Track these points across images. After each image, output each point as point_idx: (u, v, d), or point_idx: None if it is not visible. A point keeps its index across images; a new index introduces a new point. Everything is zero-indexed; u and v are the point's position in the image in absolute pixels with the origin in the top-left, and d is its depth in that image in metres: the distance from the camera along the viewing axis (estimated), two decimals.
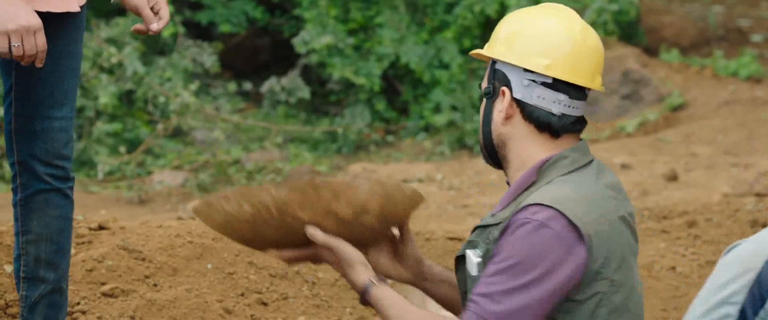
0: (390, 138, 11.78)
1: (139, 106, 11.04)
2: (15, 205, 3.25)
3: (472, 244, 2.85)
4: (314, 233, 2.76)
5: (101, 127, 10.83)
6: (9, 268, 3.94)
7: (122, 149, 10.69)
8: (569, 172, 2.89)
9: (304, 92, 11.86)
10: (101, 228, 4.28)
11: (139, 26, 3.12)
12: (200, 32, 12.84)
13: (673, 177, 8.38)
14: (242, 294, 4.16)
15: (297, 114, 12.03)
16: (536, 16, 2.97)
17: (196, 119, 10.95)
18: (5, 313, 3.75)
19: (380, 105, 11.81)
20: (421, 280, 3.00)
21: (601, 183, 2.91)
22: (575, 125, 2.95)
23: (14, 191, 3.25)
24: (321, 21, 11.88)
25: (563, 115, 2.90)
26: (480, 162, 9.91)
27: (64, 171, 3.25)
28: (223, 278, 4.22)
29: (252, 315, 4.06)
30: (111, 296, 3.94)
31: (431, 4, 12.13)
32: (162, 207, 9.19)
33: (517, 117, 2.90)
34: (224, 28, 12.55)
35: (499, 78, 2.91)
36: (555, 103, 2.89)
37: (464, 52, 12.01)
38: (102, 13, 12.11)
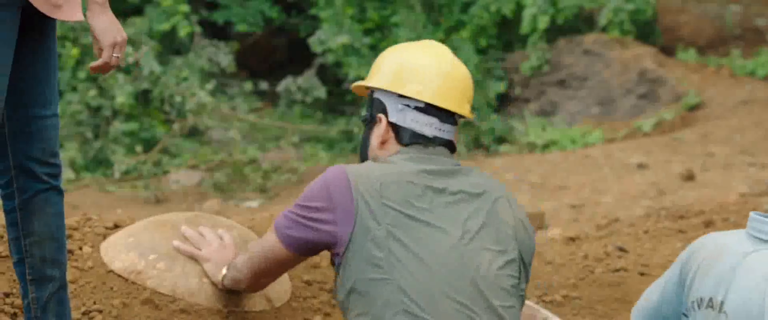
0: None
1: (156, 106, 11.06)
2: (10, 211, 3.25)
3: None
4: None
5: (118, 126, 10.86)
6: None
7: (138, 148, 10.71)
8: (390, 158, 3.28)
9: (320, 91, 11.87)
10: (116, 227, 4.29)
11: (93, 64, 3.14)
12: (216, 32, 12.85)
13: (689, 177, 8.36)
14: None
15: (313, 113, 12.04)
16: (412, 52, 3.29)
17: (212, 118, 10.97)
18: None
19: None
20: None
21: (416, 168, 3.20)
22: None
23: (6, 197, 3.25)
24: (337, 20, 11.88)
25: (435, 137, 3.22)
26: (496, 161, 9.90)
27: (58, 167, 3.27)
28: None
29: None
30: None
31: (447, 4, 12.12)
32: (178, 207, 9.19)
33: (392, 141, 3.25)
34: (240, 27, 12.57)
35: (376, 106, 3.26)
36: (427, 126, 3.22)
37: (480, 51, 11.99)
38: (118, 12, 12.13)
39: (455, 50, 11.94)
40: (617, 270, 4.92)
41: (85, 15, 3.13)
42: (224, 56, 11.83)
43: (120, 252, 3.97)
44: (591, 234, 5.33)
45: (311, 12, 12.43)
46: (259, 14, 12.67)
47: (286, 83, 12.00)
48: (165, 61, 11.55)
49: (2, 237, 3.98)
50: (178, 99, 10.85)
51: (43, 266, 3.32)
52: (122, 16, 12.02)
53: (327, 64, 12.02)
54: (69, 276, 3.85)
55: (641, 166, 8.81)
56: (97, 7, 3.07)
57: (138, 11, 12.26)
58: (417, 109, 3.22)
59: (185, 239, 3.91)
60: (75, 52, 10.96)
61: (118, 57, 3.07)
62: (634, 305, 3.32)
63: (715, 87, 11.13)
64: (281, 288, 4.06)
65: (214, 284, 3.88)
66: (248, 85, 12.16)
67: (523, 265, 3.15)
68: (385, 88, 3.24)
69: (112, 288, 3.86)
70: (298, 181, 10.23)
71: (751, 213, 3.19)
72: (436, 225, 3.09)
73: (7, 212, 3.29)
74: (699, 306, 3.12)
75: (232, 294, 3.91)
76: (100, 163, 10.76)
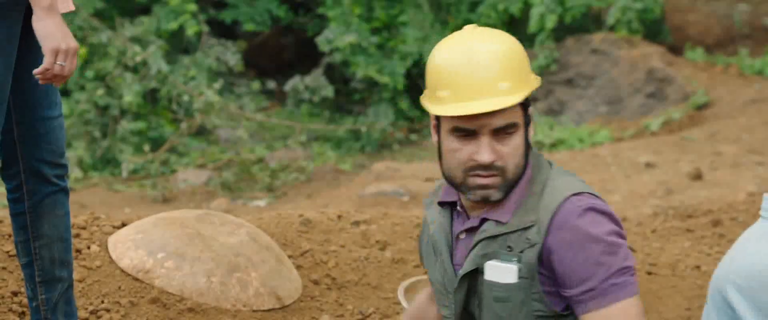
0: (414, 136, 11.77)
1: (164, 105, 11.07)
2: (18, 215, 3.24)
3: (489, 256, 2.86)
4: None
5: (125, 125, 10.87)
6: None
7: (146, 147, 10.72)
8: (552, 169, 2.95)
9: (328, 91, 11.87)
10: (124, 226, 4.29)
11: (35, 70, 3.07)
12: (224, 31, 12.85)
13: (697, 176, 8.35)
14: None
15: (320, 112, 12.04)
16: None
17: (220, 118, 10.97)
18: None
19: (404, 104, 11.81)
20: None
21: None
22: None
23: (15, 201, 3.24)
24: (345, 19, 11.88)
25: None
26: None
27: (65, 168, 3.27)
28: None
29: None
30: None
31: (455, 3, 12.11)
32: (186, 206, 9.20)
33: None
34: (248, 26, 12.57)
35: (526, 106, 2.86)
36: None
37: None
38: (126, 12, 12.14)
39: None
40: None
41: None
42: (232, 55, 11.85)
43: (128, 249, 3.97)
44: None
45: (319, 11, 12.44)
46: (266, 13, 12.69)
47: (294, 82, 12.01)
48: (173, 61, 11.56)
49: (9, 236, 3.98)
50: (185, 98, 10.86)
51: (53, 267, 3.32)
52: (130, 15, 12.03)
53: (334, 63, 12.02)
54: (77, 275, 3.86)
55: (649, 165, 8.80)
56: (41, 11, 2.95)
57: (146, 10, 12.28)
58: None
59: (193, 238, 3.89)
60: (82, 51, 10.98)
61: (62, 65, 2.93)
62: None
63: (724, 86, 11.12)
64: (291, 285, 4.06)
65: (222, 283, 3.88)
66: (256, 84, 12.17)
67: None
68: (536, 86, 2.88)
69: (120, 287, 3.86)
70: (306, 180, 10.23)
71: (765, 195, 3.18)
72: None
73: (15, 215, 3.28)
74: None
75: (240, 292, 3.91)
76: (108, 162, 10.78)
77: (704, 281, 4.91)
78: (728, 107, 10.66)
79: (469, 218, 2.88)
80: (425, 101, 2.83)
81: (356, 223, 4.74)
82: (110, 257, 3.99)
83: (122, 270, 3.93)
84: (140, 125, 10.98)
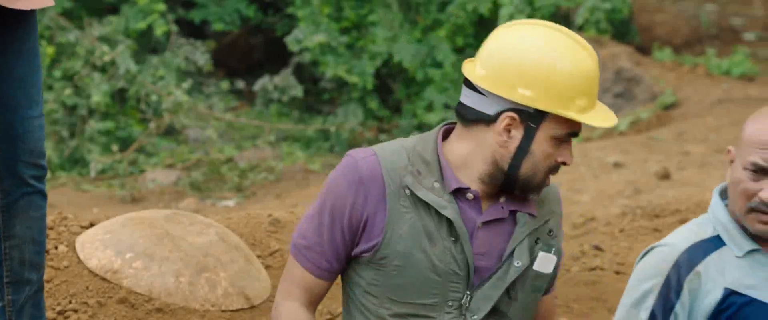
0: (383, 136, 11.77)
1: (132, 105, 11.03)
2: None
3: (536, 247, 2.95)
4: None
5: (94, 125, 10.82)
6: None
7: (115, 147, 10.68)
8: None
9: (297, 90, 11.86)
10: (92, 226, 4.27)
11: None
12: (193, 30, 12.82)
13: (665, 176, 8.39)
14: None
15: (290, 112, 12.03)
16: None
17: (188, 117, 10.95)
18: None
19: (373, 103, 11.81)
20: None
21: None
22: None
23: None
24: (314, 19, 11.88)
25: None
26: None
27: (44, 169, 3.23)
28: None
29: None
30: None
31: (424, 3, 12.12)
32: (155, 206, 9.17)
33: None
34: (217, 26, 12.54)
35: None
36: None
37: (457, 50, 12.00)
38: (94, 11, 12.09)
39: (432, 50, 11.97)
40: (593, 269, 4.93)
41: None
42: (201, 55, 11.82)
43: (96, 249, 3.96)
44: (567, 233, 5.34)
45: (288, 11, 12.43)
46: (235, 13, 12.66)
47: (263, 82, 11.98)
48: (141, 60, 11.52)
49: None
50: (154, 98, 10.82)
51: (22, 269, 3.28)
52: (98, 14, 11.98)
53: (304, 62, 12.01)
54: (44, 276, 3.84)
55: (618, 165, 8.84)
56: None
57: (114, 10, 12.23)
58: None
59: (162, 238, 3.89)
60: (50, 50, 10.93)
61: None
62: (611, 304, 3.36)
63: (691, 86, 11.17)
64: (260, 285, 4.05)
65: (190, 283, 3.87)
66: (225, 84, 12.14)
67: None
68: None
69: (87, 287, 3.84)
70: (275, 180, 10.22)
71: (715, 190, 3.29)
72: None
73: None
74: None
75: (208, 292, 3.90)
76: (76, 162, 10.73)
77: None
78: (696, 107, 10.71)
79: (480, 207, 2.88)
80: (560, 109, 2.79)
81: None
82: (78, 257, 3.97)
83: (90, 271, 3.92)
84: (108, 125, 10.93)
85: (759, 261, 3.28)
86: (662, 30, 12.47)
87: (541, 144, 2.81)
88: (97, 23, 11.39)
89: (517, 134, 2.80)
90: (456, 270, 2.84)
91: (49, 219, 4.24)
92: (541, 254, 2.94)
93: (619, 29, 12.21)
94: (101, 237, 3.99)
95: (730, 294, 3.23)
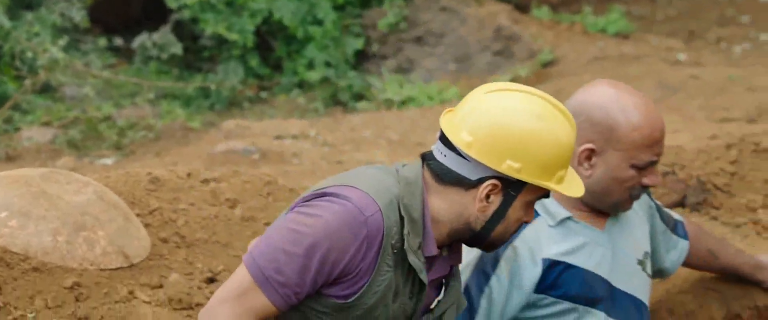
0: (264, 94, 11.73)
1: (6, 61, 10.81)
2: None
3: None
4: None
5: None
6: None
7: None
8: None
9: (177, 48, 11.73)
10: None
11: None
12: None
13: None
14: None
15: (169, 70, 11.90)
16: None
17: (65, 75, 10.76)
18: None
19: (253, 61, 11.75)
20: None
21: None
22: None
23: None
24: None
25: None
26: (354, 119, 9.94)
27: None
28: None
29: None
30: None
31: None
32: (31, 164, 9.02)
33: None
34: None
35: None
36: None
37: (337, 7, 11.98)
38: None
39: (313, 7, 11.92)
40: None
41: None
42: (77, 12, 11.61)
43: None
44: None
45: None
46: None
47: (142, 39, 11.83)
48: (15, 16, 11.29)
49: None
50: (29, 55, 10.62)
51: None
52: None
53: (183, 20, 11.88)
54: None
55: None
56: None
57: None
58: None
59: (38, 196, 3.84)
60: None
61: None
62: None
63: (569, 43, 11.32)
64: (139, 244, 4.02)
65: (68, 242, 3.82)
66: (102, 41, 11.95)
67: None
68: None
69: None
70: (154, 138, 10.12)
71: None
72: None
73: None
74: None
75: (87, 251, 3.86)
76: None
77: None
78: (573, 64, 10.87)
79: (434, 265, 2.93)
80: (544, 181, 2.81)
81: (206, 181, 4.72)
82: None
83: None
84: None
85: (571, 229, 3.38)
86: None
87: (516, 209, 2.85)
88: None
89: (496, 200, 2.82)
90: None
91: None
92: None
93: None
94: None
95: (549, 265, 3.33)
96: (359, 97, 11.41)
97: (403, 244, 2.81)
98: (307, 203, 2.81)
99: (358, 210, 2.76)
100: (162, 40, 11.79)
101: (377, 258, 2.78)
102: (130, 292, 3.82)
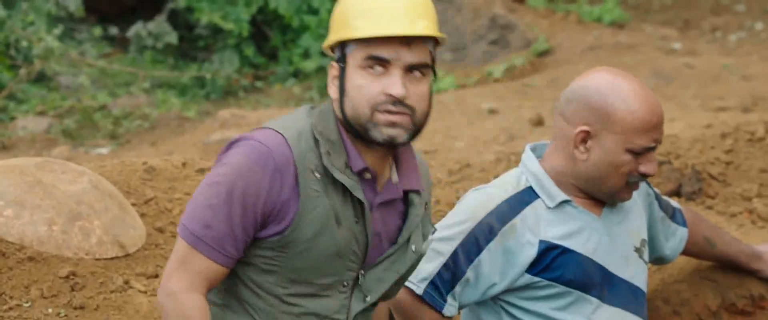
0: (259, 83, 11.72)
1: (1, 51, 10.79)
2: None
3: (422, 228, 2.99)
4: None
5: None
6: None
7: None
8: None
9: (172, 37, 11.72)
10: None
11: None
12: None
13: (539, 122, 8.50)
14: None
15: (164, 59, 11.89)
16: None
17: (60, 64, 10.75)
18: None
19: (249, 50, 11.74)
20: None
21: None
22: None
23: None
24: None
25: None
26: None
27: None
28: None
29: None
30: None
31: None
32: (26, 153, 9.02)
33: None
34: None
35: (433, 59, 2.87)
36: None
37: None
38: None
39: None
40: None
41: None
42: (72, 1, 11.59)
43: None
44: (443, 179, 5.40)
45: None
46: None
47: (137, 28, 11.81)
48: (10, 5, 11.27)
49: None
50: (24, 44, 10.61)
51: None
52: None
53: (178, 9, 11.86)
54: None
55: (492, 112, 8.93)
56: None
57: None
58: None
59: (33, 186, 3.83)
60: None
61: None
62: None
63: (564, 33, 11.32)
64: (135, 233, 4.02)
65: (63, 231, 3.82)
66: (97, 30, 11.94)
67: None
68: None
69: None
70: (149, 127, 10.11)
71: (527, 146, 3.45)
72: None
73: None
74: None
75: (82, 241, 3.86)
76: None
77: None
78: (568, 54, 10.87)
79: (376, 186, 2.87)
80: (333, 36, 2.80)
81: (201, 171, 4.72)
82: None
83: None
84: None
85: (569, 213, 3.40)
86: None
87: (352, 77, 2.81)
88: None
89: (337, 79, 2.85)
90: (355, 249, 2.86)
91: None
92: (430, 237, 3.00)
93: None
94: None
95: (545, 248, 3.35)
96: None
97: (324, 169, 2.80)
98: (220, 156, 2.86)
99: (261, 144, 2.78)
100: (157, 29, 11.77)
101: (297, 185, 2.77)
102: (126, 282, 3.82)
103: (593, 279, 3.40)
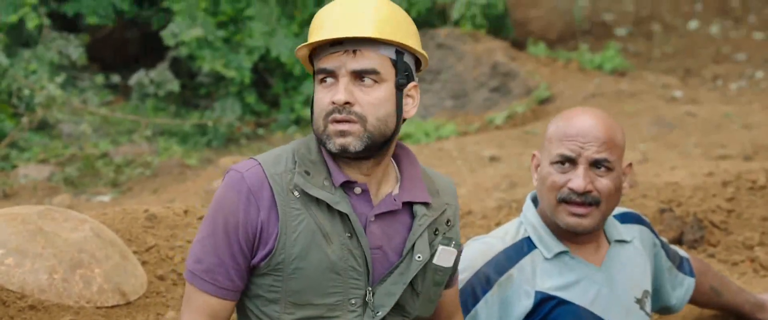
0: (261, 131, 11.74)
1: (4, 99, 10.82)
2: None
3: (435, 240, 2.95)
4: None
5: None
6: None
7: None
8: None
9: (174, 85, 11.75)
10: None
11: None
12: (66, 24, 12.62)
13: None
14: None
15: (166, 107, 11.92)
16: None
17: (62, 112, 10.77)
18: None
19: (251, 98, 11.76)
20: None
21: None
22: None
23: None
24: (190, 13, 11.78)
25: None
26: None
27: None
28: None
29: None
30: None
31: None
32: (27, 201, 9.01)
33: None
34: (91, 19, 12.36)
35: (403, 70, 2.85)
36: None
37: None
38: None
39: None
40: None
41: None
42: (74, 49, 11.63)
43: None
44: None
45: (164, 4, 12.30)
46: (110, 6, 12.48)
47: (139, 76, 11.85)
48: (13, 54, 11.31)
49: None
50: (26, 92, 10.64)
51: None
52: None
53: (180, 57, 11.90)
54: None
55: (494, 159, 8.94)
56: None
57: None
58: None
59: (35, 234, 3.83)
60: None
61: None
62: None
63: (565, 80, 11.34)
64: (136, 281, 4.01)
65: (64, 280, 3.81)
66: (100, 79, 11.98)
67: None
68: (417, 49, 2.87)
69: None
70: (151, 175, 10.12)
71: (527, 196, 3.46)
72: None
73: None
74: None
75: (83, 289, 3.85)
76: None
77: None
78: (569, 101, 10.88)
79: (371, 200, 2.87)
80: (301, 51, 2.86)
81: (203, 218, 4.71)
82: None
83: None
84: None
85: (567, 264, 3.39)
86: (537, 25, 12.64)
87: (315, 92, 2.86)
88: None
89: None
90: (355, 265, 2.85)
91: None
92: (441, 248, 2.95)
93: (495, 24, 12.34)
94: None
95: (542, 299, 3.34)
96: None
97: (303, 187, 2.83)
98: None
99: (235, 172, 2.85)
100: (159, 77, 11.81)
101: (275, 206, 2.80)
102: None
103: None
